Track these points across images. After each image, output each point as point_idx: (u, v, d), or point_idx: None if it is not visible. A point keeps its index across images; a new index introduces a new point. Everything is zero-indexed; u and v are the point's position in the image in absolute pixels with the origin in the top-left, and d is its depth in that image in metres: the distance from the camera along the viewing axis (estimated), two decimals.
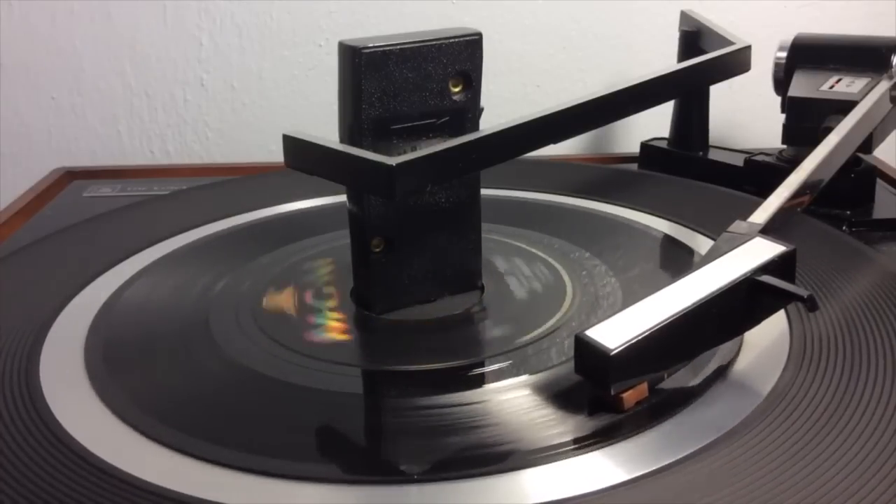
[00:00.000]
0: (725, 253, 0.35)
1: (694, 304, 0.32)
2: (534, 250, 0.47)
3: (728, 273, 0.33)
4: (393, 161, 0.33)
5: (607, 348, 0.31)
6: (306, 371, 0.36)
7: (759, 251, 0.35)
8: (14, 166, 0.74)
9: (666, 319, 0.32)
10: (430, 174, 0.35)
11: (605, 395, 0.32)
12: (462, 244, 0.42)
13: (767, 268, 0.34)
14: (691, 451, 0.29)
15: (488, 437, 0.31)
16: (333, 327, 0.40)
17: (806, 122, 0.51)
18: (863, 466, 0.28)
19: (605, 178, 0.58)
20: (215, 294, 0.43)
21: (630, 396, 0.32)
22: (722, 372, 0.34)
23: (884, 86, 0.51)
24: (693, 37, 0.59)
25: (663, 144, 0.64)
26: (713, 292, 0.33)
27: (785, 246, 0.35)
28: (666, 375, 0.33)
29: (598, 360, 0.31)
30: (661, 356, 0.32)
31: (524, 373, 0.35)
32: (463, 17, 0.72)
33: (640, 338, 0.31)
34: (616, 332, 0.31)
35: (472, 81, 0.39)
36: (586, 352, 0.32)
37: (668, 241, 0.48)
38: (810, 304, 0.32)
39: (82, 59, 0.72)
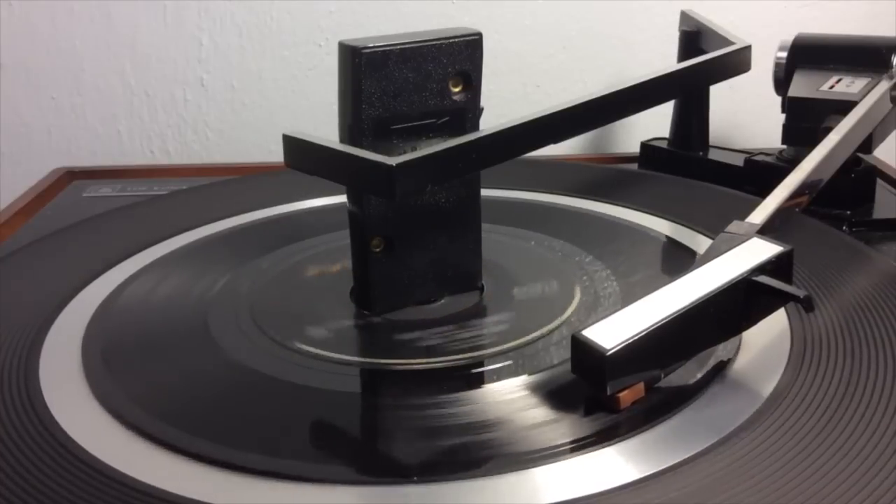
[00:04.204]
0: (722, 253, 0.35)
1: (691, 304, 0.32)
2: (533, 250, 0.47)
3: (725, 273, 0.33)
4: (393, 161, 0.33)
5: (603, 348, 0.31)
6: (305, 370, 0.36)
7: (756, 251, 0.35)
8: (14, 166, 0.74)
9: (662, 319, 0.32)
10: (430, 174, 0.35)
11: (601, 395, 0.32)
12: (462, 244, 0.42)
13: (764, 268, 0.34)
14: (692, 453, 0.29)
15: (486, 437, 0.31)
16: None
17: (806, 122, 0.51)
18: (864, 466, 0.28)
19: (605, 178, 0.58)
20: (214, 294, 0.43)
21: (626, 396, 0.32)
22: (721, 372, 0.34)
23: (884, 86, 0.51)
24: (693, 37, 0.59)
25: (663, 144, 0.64)
26: (710, 292, 0.33)
27: (782, 246, 0.35)
28: (663, 375, 0.33)
29: (595, 360, 0.31)
30: (658, 356, 0.32)
31: (524, 373, 0.35)
32: (463, 17, 0.72)
33: (636, 338, 0.31)
34: (612, 331, 0.31)
35: (472, 81, 0.39)
36: (582, 352, 0.32)
37: (668, 241, 0.48)
38: (806, 305, 0.32)
39: (82, 59, 0.72)
